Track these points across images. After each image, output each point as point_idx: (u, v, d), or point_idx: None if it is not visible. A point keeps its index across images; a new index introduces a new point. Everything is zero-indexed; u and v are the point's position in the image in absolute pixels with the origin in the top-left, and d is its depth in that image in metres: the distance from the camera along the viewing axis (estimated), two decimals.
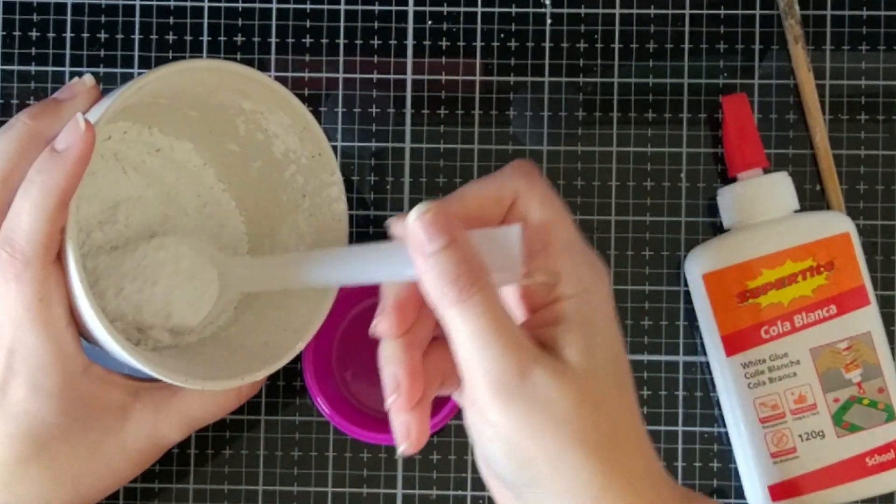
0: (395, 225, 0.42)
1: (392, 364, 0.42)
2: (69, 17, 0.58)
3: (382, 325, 0.41)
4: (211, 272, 0.49)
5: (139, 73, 0.57)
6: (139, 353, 0.44)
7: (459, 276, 0.39)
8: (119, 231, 0.50)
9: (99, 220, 0.49)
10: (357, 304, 0.56)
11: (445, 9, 0.57)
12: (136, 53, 0.58)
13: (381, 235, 0.57)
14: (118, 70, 0.57)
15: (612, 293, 0.43)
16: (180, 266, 0.48)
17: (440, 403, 0.54)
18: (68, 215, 0.43)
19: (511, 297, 0.43)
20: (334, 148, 0.57)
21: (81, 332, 0.46)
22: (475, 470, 0.56)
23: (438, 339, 0.43)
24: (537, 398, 0.39)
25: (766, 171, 0.55)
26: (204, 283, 0.49)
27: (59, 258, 0.44)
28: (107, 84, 0.57)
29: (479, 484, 0.56)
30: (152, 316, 0.48)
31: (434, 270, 0.39)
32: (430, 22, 0.57)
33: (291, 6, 0.58)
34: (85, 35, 0.58)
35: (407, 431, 0.41)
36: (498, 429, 0.39)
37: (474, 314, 0.39)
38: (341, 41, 0.58)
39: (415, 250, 0.40)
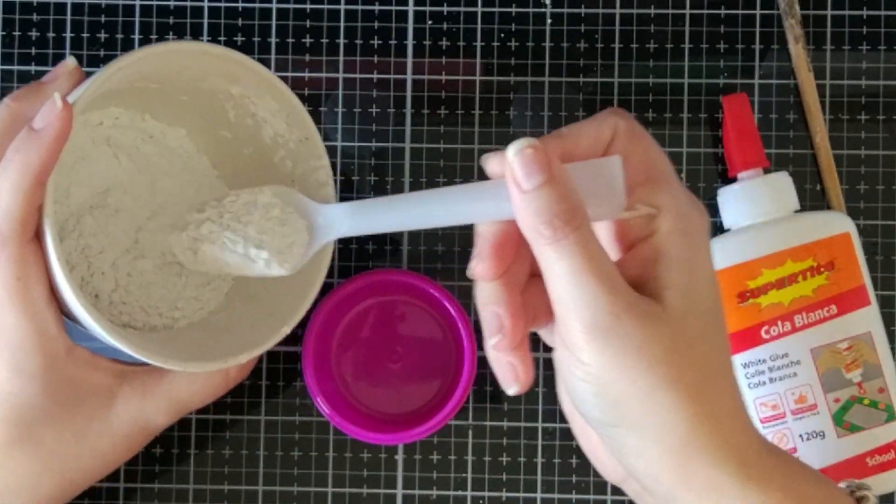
0: (492, 161, 0.40)
1: (493, 304, 0.41)
2: (69, 17, 0.58)
3: (480, 268, 0.41)
4: (299, 221, 0.47)
5: None
6: (119, 333, 0.44)
7: (557, 215, 0.38)
8: (108, 216, 0.50)
9: (90, 205, 0.49)
10: (357, 304, 0.56)
11: (445, 9, 0.57)
12: None
13: (381, 235, 0.57)
14: None
15: (710, 231, 0.42)
16: (270, 213, 0.47)
17: (440, 404, 0.54)
18: (45, 194, 0.43)
19: (605, 233, 0.43)
20: (334, 148, 0.57)
21: (65, 313, 0.46)
22: (475, 470, 0.56)
23: (532, 276, 0.42)
24: (631, 339, 0.38)
25: (767, 171, 0.55)
26: (295, 231, 0.47)
27: (38, 238, 0.44)
28: None
29: (479, 484, 0.56)
30: (239, 268, 0.48)
31: (531, 207, 0.38)
32: (430, 22, 0.57)
33: (291, 6, 0.58)
34: (85, 35, 0.58)
35: (515, 372, 0.41)
36: (589, 368, 0.39)
37: (570, 253, 0.38)
38: (341, 41, 0.58)
39: (512, 186, 0.39)
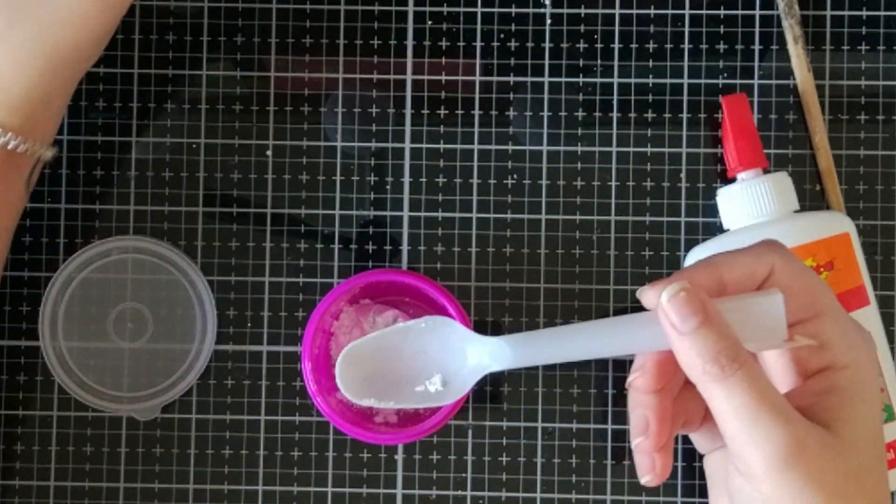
0: (648, 294, 0.42)
1: (642, 408, 0.43)
2: None
3: (640, 382, 0.43)
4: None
5: (139, 74, 0.57)
6: None
7: (719, 353, 0.39)
8: None
9: None
10: (355, 303, 0.56)
11: (445, 9, 0.57)
12: (136, 53, 0.57)
13: (381, 235, 0.57)
14: (118, 70, 0.57)
15: (876, 359, 0.44)
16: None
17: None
18: None
19: (782, 361, 0.44)
20: (334, 148, 0.57)
21: None
22: (475, 470, 0.56)
23: (686, 384, 0.44)
24: (812, 471, 0.39)
25: (766, 172, 0.55)
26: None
27: None
28: (107, 84, 0.57)
29: (479, 484, 0.56)
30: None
31: (692, 349, 0.40)
32: (430, 22, 0.57)
33: (291, 6, 0.58)
34: None
35: (653, 465, 0.43)
36: (769, 498, 0.40)
37: (739, 390, 0.39)
38: (341, 41, 0.58)
39: (669, 329, 0.40)
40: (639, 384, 0.43)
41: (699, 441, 0.48)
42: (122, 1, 0.47)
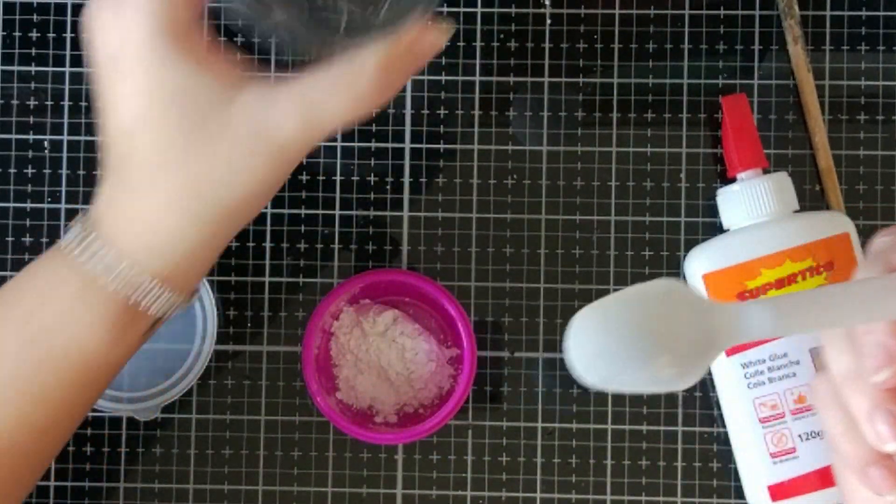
0: None
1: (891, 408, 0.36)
2: (69, 18, 0.58)
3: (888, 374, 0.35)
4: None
5: None
6: None
7: None
8: None
9: None
10: (355, 303, 0.56)
11: (445, 9, 0.57)
12: None
13: (381, 235, 0.57)
14: None
15: None
16: None
17: (440, 404, 0.55)
18: None
19: None
20: (334, 148, 0.57)
21: None
22: (475, 470, 0.56)
23: None
24: None
25: (766, 172, 0.55)
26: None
27: None
28: None
29: (479, 484, 0.56)
30: None
31: None
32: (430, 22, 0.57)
33: None
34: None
35: None
36: None
37: None
38: None
39: None
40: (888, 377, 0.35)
41: None
42: (278, 159, 0.42)
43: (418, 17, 0.40)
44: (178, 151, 0.41)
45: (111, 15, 0.41)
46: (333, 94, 0.41)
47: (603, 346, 0.37)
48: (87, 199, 0.57)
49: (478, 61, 0.58)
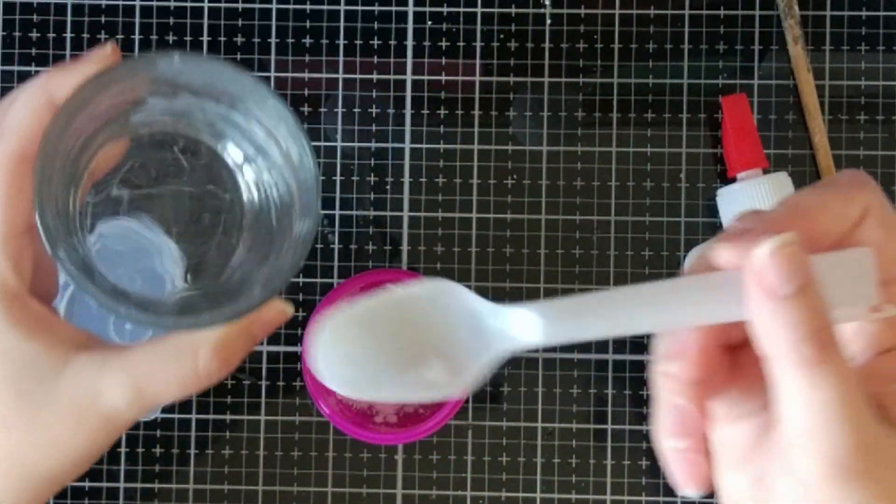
0: (724, 252, 0.34)
1: (683, 402, 0.35)
2: (69, 18, 0.58)
3: (684, 371, 0.35)
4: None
5: None
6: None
7: (818, 332, 0.32)
8: None
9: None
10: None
11: (445, 9, 0.57)
12: (137, 54, 0.58)
13: (381, 235, 0.57)
14: None
15: None
16: None
17: (440, 404, 0.55)
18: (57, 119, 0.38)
19: (846, 326, 0.36)
20: (334, 148, 0.57)
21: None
22: (475, 470, 0.56)
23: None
24: (879, 480, 0.33)
25: (766, 172, 0.55)
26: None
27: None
28: None
29: (479, 484, 0.56)
30: None
31: (787, 319, 0.32)
32: (430, 22, 0.58)
33: (291, 6, 0.58)
34: (85, 36, 0.58)
35: (697, 471, 0.36)
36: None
37: (833, 382, 0.32)
38: (341, 41, 0.58)
39: (758, 293, 0.32)
40: (681, 375, 0.35)
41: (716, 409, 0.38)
42: (105, 432, 0.41)
43: (256, 305, 0.39)
44: None
45: None
46: (166, 371, 0.40)
47: (363, 353, 0.35)
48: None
49: (478, 61, 0.58)
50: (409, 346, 0.35)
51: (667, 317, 0.34)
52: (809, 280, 0.32)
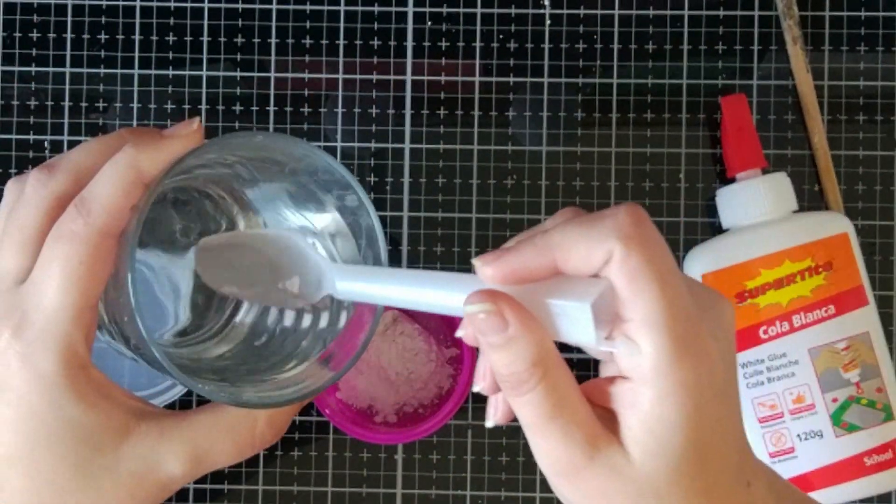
0: (479, 265, 0.38)
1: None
2: (69, 18, 0.58)
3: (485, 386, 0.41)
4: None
5: (139, 75, 0.58)
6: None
7: (522, 372, 0.37)
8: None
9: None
10: (356, 304, 0.56)
11: (445, 9, 0.57)
12: (137, 54, 0.58)
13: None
14: (118, 71, 0.58)
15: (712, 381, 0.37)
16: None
17: (440, 403, 0.55)
18: (146, 193, 0.40)
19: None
20: (334, 148, 0.57)
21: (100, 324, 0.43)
22: (475, 470, 0.56)
23: None
24: (595, 490, 0.38)
25: (765, 172, 0.55)
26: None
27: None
28: (107, 85, 0.57)
29: (478, 484, 0.56)
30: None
31: (493, 358, 0.37)
32: (429, 22, 0.58)
33: (291, 7, 0.58)
34: (85, 36, 0.58)
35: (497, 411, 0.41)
36: (568, 501, 0.39)
37: (530, 407, 0.37)
38: (341, 42, 0.58)
39: (477, 333, 0.37)
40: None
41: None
42: (157, 497, 0.43)
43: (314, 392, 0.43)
44: (54, 491, 0.42)
45: (11, 336, 0.41)
46: (224, 441, 0.43)
47: (239, 259, 0.44)
48: None
49: (478, 61, 0.58)
50: (276, 264, 0.43)
51: (423, 300, 0.40)
52: (508, 338, 0.37)
